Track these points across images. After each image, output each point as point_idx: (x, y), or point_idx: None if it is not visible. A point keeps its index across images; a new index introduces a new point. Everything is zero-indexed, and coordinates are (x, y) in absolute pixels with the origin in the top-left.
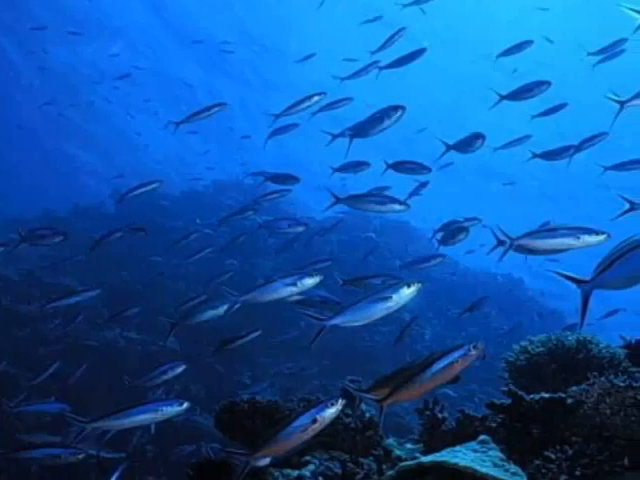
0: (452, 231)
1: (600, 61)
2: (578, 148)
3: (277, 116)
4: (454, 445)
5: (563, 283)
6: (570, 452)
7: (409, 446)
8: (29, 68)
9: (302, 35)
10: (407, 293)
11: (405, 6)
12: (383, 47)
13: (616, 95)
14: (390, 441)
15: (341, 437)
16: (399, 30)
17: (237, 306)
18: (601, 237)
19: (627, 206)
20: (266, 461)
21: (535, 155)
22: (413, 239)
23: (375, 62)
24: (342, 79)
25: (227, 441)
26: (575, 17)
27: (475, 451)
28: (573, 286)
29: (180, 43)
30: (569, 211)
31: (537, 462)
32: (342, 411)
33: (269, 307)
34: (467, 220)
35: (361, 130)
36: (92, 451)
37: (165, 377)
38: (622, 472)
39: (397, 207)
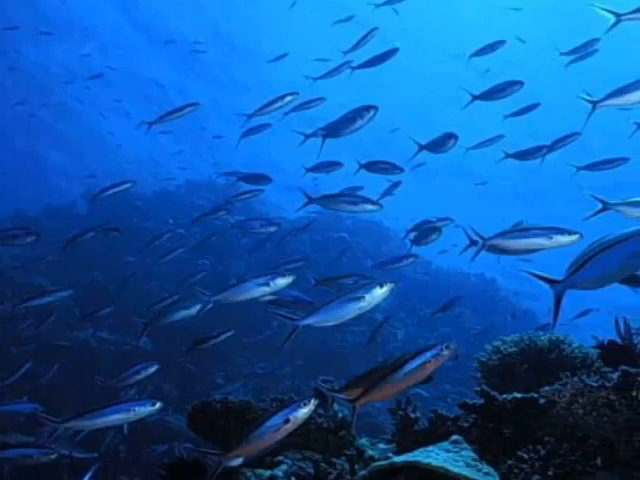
0: (425, 231)
1: (572, 61)
2: (550, 148)
3: (250, 116)
4: (427, 445)
5: (536, 283)
6: (543, 452)
7: (382, 446)
8: (1, 68)
9: (274, 35)
10: (380, 293)
11: (378, 6)
12: (355, 47)
13: (589, 95)
14: (363, 441)
15: (314, 437)
16: (371, 30)
17: (210, 306)
18: (574, 237)
19: (600, 206)
20: (239, 461)
21: (507, 155)
22: (386, 239)
23: (347, 62)
24: (314, 79)
25: (200, 441)
26: (547, 17)
27: (448, 451)
28: (546, 286)
29: (151, 43)
30: (541, 211)
31: (510, 462)
32: (315, 411)
33: (242, 307)
34: (440, 220)
35: (334, 130)
36: (65, 451)
37: (138, 377)
38: (594, 472)
39: (370, 207)
